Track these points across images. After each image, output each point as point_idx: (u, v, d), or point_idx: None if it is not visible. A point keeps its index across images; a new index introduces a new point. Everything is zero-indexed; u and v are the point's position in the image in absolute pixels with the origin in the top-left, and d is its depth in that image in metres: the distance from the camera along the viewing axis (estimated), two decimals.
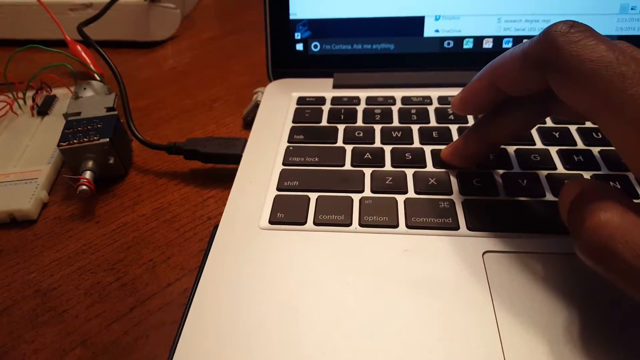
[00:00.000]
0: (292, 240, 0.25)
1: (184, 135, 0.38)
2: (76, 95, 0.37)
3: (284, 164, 0.30)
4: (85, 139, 0.32)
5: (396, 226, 0.25)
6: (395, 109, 0.34)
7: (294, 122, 0.34)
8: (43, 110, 0.40)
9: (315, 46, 0.38)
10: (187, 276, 0.27)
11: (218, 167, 0.34)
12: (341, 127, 0.33)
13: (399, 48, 0.37)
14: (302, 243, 0.25)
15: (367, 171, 0.29)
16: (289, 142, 0.32)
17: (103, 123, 0.33)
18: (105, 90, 0.38)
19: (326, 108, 0.35)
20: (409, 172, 0.28)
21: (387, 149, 0.30)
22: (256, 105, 0.38)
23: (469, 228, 0.24)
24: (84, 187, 0.31)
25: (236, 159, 0.32)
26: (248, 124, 0.39)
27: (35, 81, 0.41)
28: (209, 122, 0.39)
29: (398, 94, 0.36)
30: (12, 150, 0.36)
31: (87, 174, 0.31)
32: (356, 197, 0.27)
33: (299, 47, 0.38)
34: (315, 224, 0.26)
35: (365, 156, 0.30)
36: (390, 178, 0.28)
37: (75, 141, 0.32)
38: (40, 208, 0.32)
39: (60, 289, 0.27)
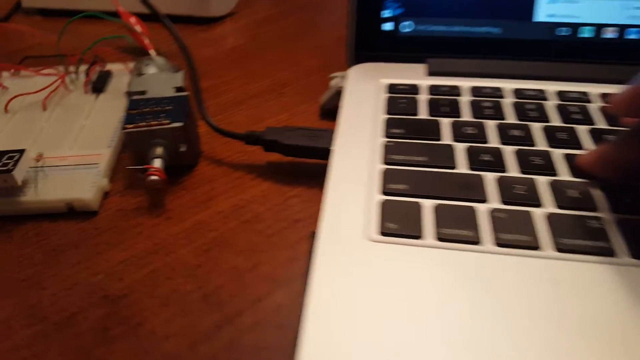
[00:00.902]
0: (411, 258, 0.21)
1: (255, 123, 0.34)
2: (138, 72, 0.33)
3: (386, 163, 0.26)
4: (154, 122, 0.28)
5: (538, 248, 0.21)
6: (507, 103, 0.30)
7: (388, 113, 0.30)
8: (98, 86, 0.36)
9: (407, 26, 0.34)
10: (280, 290, 0.23)
11: (298, 161, 0.30)
12: (445, 122, 0.29)
13: (505, 33, 0.33)
14: (423, 262, 0.21)
15: (488, 176, 0.25)
16: (387, 136, 0.28)
17: (174, 104, 0.29)
18: (169, 67, 0.34)
19: (423, 98, 0.31)
20: (541, 181, 0.24)
21: (508, 150, 0.26)
22: (337, 93, 0.33)
23: (634, 255, 0.20)
24: (155, 177, 0.27)
25: (323, 153, 0.28)
26: (326, 113, 0.35)
27: (87, 55, 0.37)
28: (280, 110, 0.35)
29: (506, 85, 0.31)
30: (66, 130, 0.32)
31: (157, 162, 0.28)
32: (481, 208, 0.23)
33: (388, 26, 0.34)
34: (438, 238, 0.22)
35: (483, 158, 0.26)
36: (521, 187, 0.24)
37: (142, 124, 0.28)
38: (101, 198, 0.28)
39: (132, 296, 0.23)
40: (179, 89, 0.31)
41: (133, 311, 0.22)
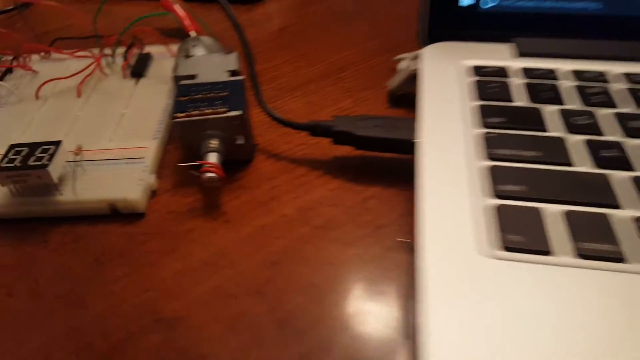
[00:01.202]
0: (549, 281, 0.17)
1: (315, 111, 0.30)
2: (186, 54, 0.29)
3: (489, 158, 0.22)
4: (208, 110, 0.24)
5: None
6: (618, 89, 0.25)
7: (479, 99, 0.25)
8: (138, 70, 0.32)
9: (490, 0, 0.29)
10: (374, 316, 0.19)
11: (370, 155, 0.26)
12: (549, 110, 0.24)
13: (607, 9, 0.28)
14: (568, 287, 0.16)
15: (616, 176, 0.20)
16: (484, 126, 0.23)
17: (230, 90, 0.25)
18: (219, 48, 0.30)
19: (517, 82, 0.26)
20: None
21: (630, 144, 0.22)
22: (410, 77, 0.29)
23: None
24: (211, 173, 0.23)
25: (404, 146, 0.24)
26: (397, 99, 0.30)
27: (125, 36, 0.33)
28: (342, 97, 0.31)
29: (610, 68, 0.27)
30: (104, 119, 0.28)
31: (213, 157, 0.24)
32: (617, 216, 0.18)
33: (467, 0, 0.30)
34: (578, 255, 0.17)
35: (606, 154, 0.21)
36: None
37: (195, 112, 0.24)
38: (148, 198, 0.24)
39: (191, 319, 0.19)
40: (233, 73, 0.27)
41: (194, 339, 0.19)
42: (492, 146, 0.22)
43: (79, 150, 0.24)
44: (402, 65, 0.31)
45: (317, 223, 0.23)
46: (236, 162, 0.26)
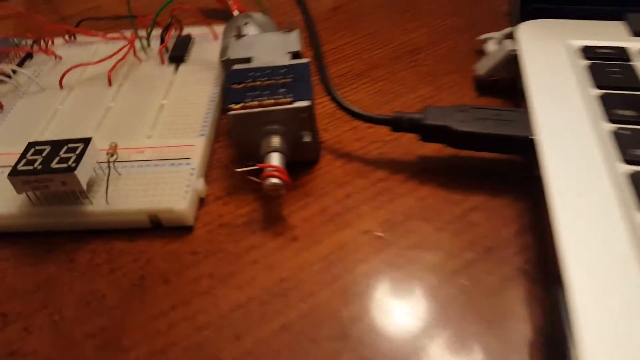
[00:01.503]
0: None
1: (387, 101, 0.25)
2: (237, 33, 0.24)
3: (626, 161, 0.17)
4: (270, 101, 0.20)
5: None
6: None
7: (599, 86, 0.20)
8: (177, 55, 0.27)
9: None
10: None
11: (464, 154, 0.21)
12: None
13: None
14: None
15: None
16: (612, 120, 0.18)
17: (294, 76, 0.21)
18: (274, 26, 0.26)
19: None
20: None
21: None
22: (506, 59, 0.24)
23: None
24: (276, 179, 0.18)
25: (512, 145, 0.19)
26: (487, 86, 0.25)
27: (162, 16, 0.28)
28: (419, 83, 0.26)
29: None
30: (140, 112, 0.24)
31: (276, 158, 0.19)
32: None
33: None
34: None
35: None
36: None
37: (254, 103, 0.20)
38: (197, 207, 0.20)
39: None
40: (295, 55, 0.22)
41: None
42: (623, 145, 0.17)
43: (113, 149, 0.20)
44: (490, 46, 0.26)
45: (407, 242, 0.18)
46: (299, 163, 0.21)
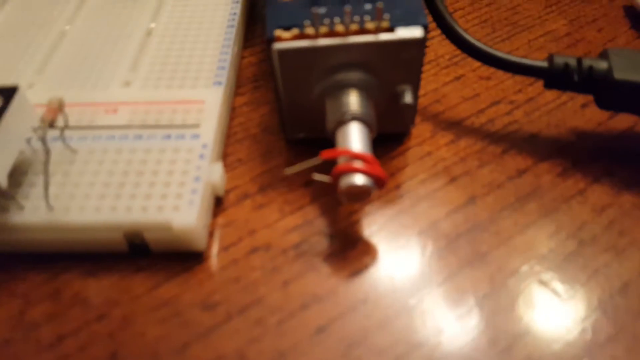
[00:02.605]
0: None
1: (500, 38, 0.16)
2: None
3: None
4: (351, 25, 0.11)
5: None
6: None
7: None
8: None
9: None
10: None
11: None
12: None
13: None
14: None
15: None
16: None
17: None
18: None
19: None
20: None
21: None
22: None
23: None
24: (361, 177, 0.10)
25: None
26: None
27: None
28: (545, 12, 0.17)
29: None
30: (113, 42, 0.14)
31: (358, 136, 0.10)
32: None
33: None
34: None
35: None
36: None
37: (321, 29, 0.11)
38: (212, 217, 0.11)
39: None
40: None
41: None
42: None
43: (54, 111, 0.11)
44: None
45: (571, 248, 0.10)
46: (381, 136, 0.12)
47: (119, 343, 0.10)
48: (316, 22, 0.10)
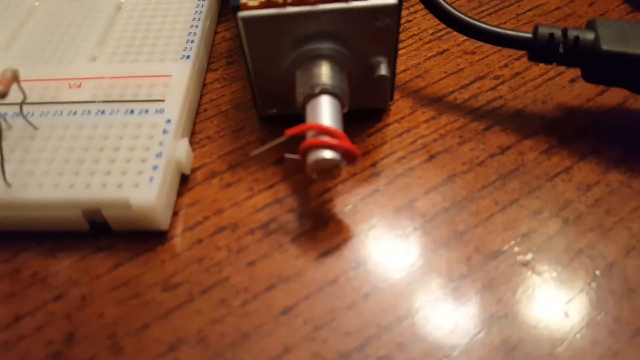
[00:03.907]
0: None
1: (485, 12, 0.16)
2: None
3: None
4: None
5: None
6: None
7: None
8: None
9: None
10: None
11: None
12: None
13: None
14: None
15: None
16: None
17: None
18: None
19: None
20: None
21: None
22: None
23: None
24: (329, 152, 0.09)
25: None
26: None
27: None
28: None
29: None
30: (81, 16, 0.14)
31: (329, 109, 0.10)
32: None
33: None
34: None
35: None
36: None
37: (279, 0, 0.10)
38: (176, 195, 0.11)
39: None
40: None
41: None
42: None
43: (7, 81, 0.10)
44: None
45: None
46: (354, 113, 0.12)
47: (76, 323, 0.09)
48: None
